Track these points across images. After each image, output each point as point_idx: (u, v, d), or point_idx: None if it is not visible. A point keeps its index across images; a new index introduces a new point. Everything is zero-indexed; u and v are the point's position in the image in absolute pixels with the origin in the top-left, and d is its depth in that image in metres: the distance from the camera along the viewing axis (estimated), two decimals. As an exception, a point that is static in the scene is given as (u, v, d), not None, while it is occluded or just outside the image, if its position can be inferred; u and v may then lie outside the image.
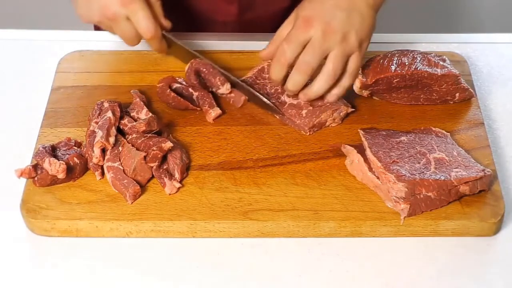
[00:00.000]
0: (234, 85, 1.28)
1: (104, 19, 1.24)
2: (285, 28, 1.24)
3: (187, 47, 1.31)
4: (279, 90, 1.26)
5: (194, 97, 1.26)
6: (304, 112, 1.23)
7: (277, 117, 1.25)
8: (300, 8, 1.22)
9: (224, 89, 1.26)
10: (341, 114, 1.24)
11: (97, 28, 1.46)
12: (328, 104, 1.23)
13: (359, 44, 1.20)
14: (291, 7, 1.49)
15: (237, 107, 1.26)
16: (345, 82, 1.22)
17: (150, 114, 1.21)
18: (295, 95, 1.24)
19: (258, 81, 1.28)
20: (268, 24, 1.52)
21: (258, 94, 1.25)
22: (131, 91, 1.25)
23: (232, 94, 1.27)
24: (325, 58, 1.19)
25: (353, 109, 1.25)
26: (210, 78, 1.27)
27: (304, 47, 1.19)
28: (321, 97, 1.23)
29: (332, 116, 1.23)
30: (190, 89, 1.27)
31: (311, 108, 1.23)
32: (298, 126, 1.23)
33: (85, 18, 1.27)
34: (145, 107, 1.22)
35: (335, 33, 1.18)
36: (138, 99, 1.23)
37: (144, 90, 1.28)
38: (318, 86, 1.21)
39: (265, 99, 1.24)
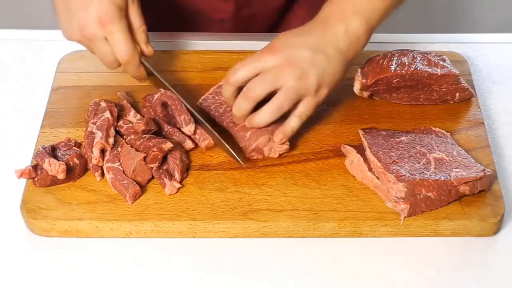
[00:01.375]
0: (200, 125, 1.20)
1: (83, 38, 1.19)
2: None
3: (163, 79, 1.24)
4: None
5: (163, 132, 1.20)
6: (248, 134, 1.18)
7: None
8: (275, 38, 1.18)
9: (187, 129, 1.19)
10: (277, 149, 1.18)
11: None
12: (269, 128, 1.16)
13: (317, 89, 1.14)
14: (287, 4, 1.50)
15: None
16: (291, 123, 1.16)
17: (138, 116, 1.20)
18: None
19: (216, 98, 1.23)
20: (264, 21, 1.52)
21: (223, 141, 1.17)
22: (118, 93, 1.25)
23: (196, 136, 1.19)
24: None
25: (288, 147, 1.17)
26: (176, 115, 1.19)
27: (258, 73, 1.15)
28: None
29: (268, 145, 1.17)
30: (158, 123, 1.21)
31: (254, 130, 1.18)
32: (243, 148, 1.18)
33: (66, 35, 1.21)
34: (132, 109, 1.22)
35: (294, 68, 1.12)
36: (125, 101, 1.23)
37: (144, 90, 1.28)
38: (262, 116, 1.15)
39: (229, 147, 1.15)
